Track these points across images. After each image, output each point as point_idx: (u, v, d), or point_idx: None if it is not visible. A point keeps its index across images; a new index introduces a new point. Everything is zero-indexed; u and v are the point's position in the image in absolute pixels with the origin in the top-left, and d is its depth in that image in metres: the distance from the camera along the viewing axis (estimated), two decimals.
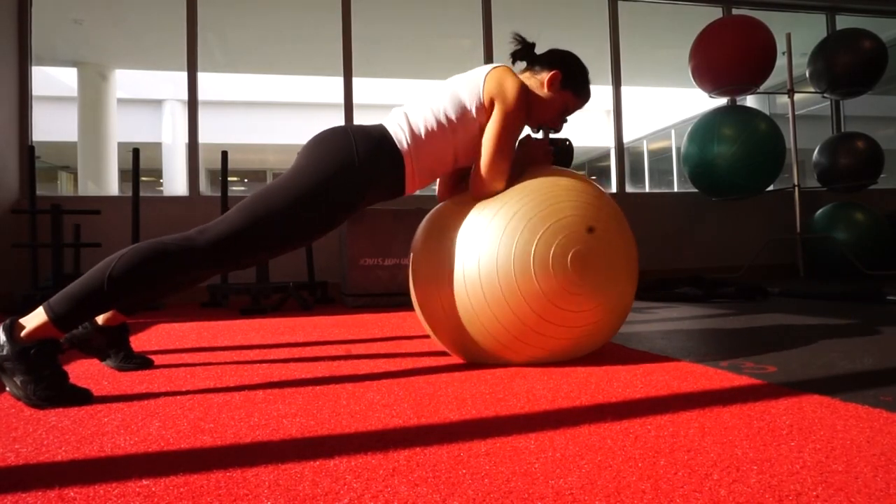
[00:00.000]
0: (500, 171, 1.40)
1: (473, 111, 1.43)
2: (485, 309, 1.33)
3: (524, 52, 1.54)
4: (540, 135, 1.63)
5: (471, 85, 1.44)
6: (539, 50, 1.56)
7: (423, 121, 1.42)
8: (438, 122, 1.42)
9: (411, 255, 1.53)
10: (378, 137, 1.39)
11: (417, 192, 4.50)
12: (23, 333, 1.11)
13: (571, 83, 1.52)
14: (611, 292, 1.37)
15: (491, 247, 1.33)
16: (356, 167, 1.33)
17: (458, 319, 1.38)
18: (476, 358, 1.44)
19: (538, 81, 1.52)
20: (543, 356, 1.39)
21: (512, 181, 1.44)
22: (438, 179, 1.63)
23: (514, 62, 1.57)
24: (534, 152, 1.55)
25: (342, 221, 1.37)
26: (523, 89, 1.42)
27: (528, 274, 1.30)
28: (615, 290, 1.37)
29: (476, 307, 1.34)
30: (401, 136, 1.40)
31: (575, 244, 1.32)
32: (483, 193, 1.42)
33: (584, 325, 1.35)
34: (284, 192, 1.28)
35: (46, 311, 1.13)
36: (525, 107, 1.43)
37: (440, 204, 1.56)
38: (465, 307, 1.35)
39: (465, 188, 1.56)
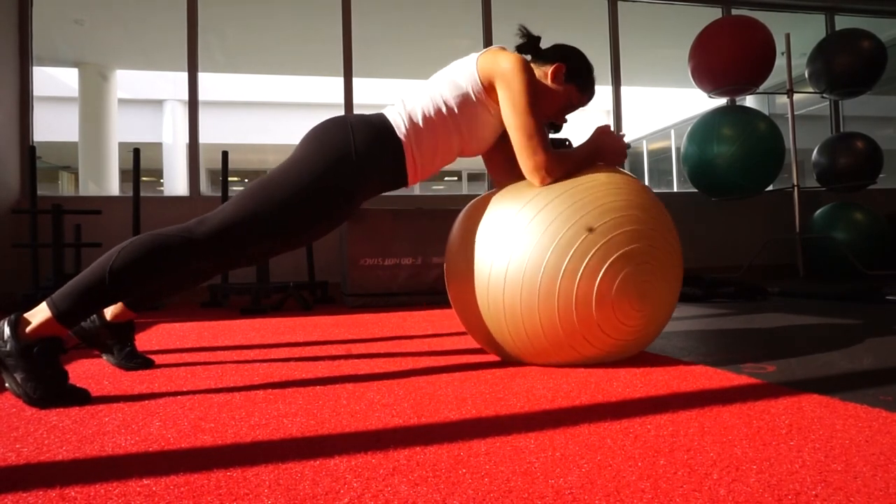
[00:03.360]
0: (536, 145, 1.34)
1: (472, 94, 1.40)
2: (536, 309, 1.28)
3: (529, 45, 1.52)
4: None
5: (465, 67, 1.42)
6: (544, 46, 1.56)
7: (422, 108, 1.40)
8: (437, 108, 1.40)
9: (447, 251, 1.51)
10: (377, 126, 1.37)
11: (418, 192, 4.51)
12: (27, 330, 1.11)
13: (576, 77, 1.50)
14: (658, 298, 1.33)
15: (541, 250, 1.27)
16: (353, 158, 1.31)
17: (497, 318, 1.35)
18: (508, 357, 1.43)
19: (543, 73, 1.49)
20: (582, 359, 1.36)
21: (582, 172, 1.38)
22: (488, 164, 1.62)
23: None
24: (609, 147, 1.47)
25: (343, 215, 1.34)
26: (520, 58, 1.38)
27: (593, 278, 1.26)
28: (662, 295, 1.34)
29: (525, 307, 1.29)
30: (399, 124, 1.38)
31: (628, 263, 1.27)
32: (536, 176, 1.35)
33: (627, 336, 1.32)
34: (280, 183, 1.27)
35: (50, 307, 1.13)
36: (528, 71, 1.37)
37: (478, 198, 1.51)
38: (497, 307, 1.32)
39: (520, 172, 1.49)
